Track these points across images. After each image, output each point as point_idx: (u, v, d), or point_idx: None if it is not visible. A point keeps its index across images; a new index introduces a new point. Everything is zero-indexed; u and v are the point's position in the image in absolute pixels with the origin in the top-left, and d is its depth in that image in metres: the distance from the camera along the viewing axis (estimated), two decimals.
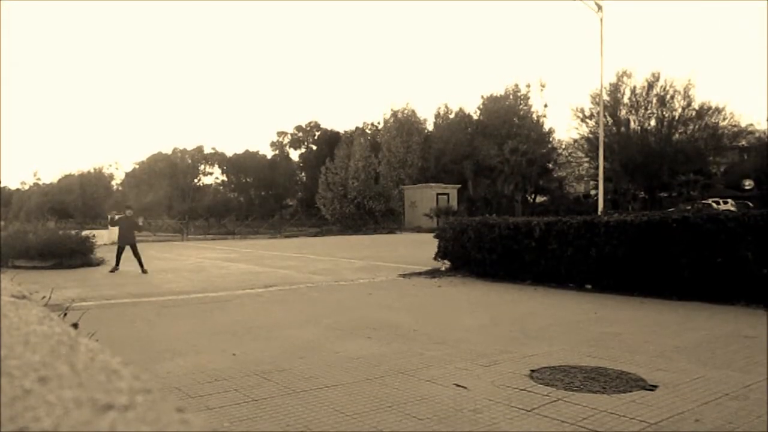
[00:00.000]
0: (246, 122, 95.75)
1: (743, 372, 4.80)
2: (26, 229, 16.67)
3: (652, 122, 47.36)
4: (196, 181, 58.70)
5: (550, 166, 51.48)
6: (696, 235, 8.62)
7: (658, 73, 46.36)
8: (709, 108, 45.80)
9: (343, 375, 4.89)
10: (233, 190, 60.73)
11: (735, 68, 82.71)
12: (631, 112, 47.64)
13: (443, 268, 12.88)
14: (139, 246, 14.52)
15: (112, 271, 13.92)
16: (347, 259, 17.17)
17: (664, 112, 46.64)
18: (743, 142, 50.07)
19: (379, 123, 53.45)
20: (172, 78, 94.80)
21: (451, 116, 52.55)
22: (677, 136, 46.80)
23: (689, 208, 13.40)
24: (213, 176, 60.86)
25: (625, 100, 47.52)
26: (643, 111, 47.25)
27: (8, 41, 73.21)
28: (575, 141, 51.19)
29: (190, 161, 58.25)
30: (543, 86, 50.86)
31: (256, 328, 7.06)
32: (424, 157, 48.24)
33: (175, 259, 18.01)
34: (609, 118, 45.30)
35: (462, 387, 4.48)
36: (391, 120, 48.93)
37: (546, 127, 51.49)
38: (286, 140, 61.11)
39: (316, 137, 59.03)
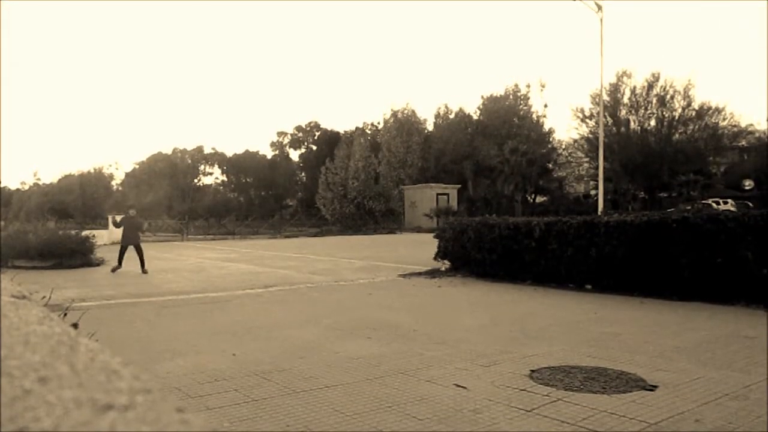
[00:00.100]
0: (246, 122, 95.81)
1: (743, 372, 4.80)
2: (26, 229, 16.68)
3: (652, 122, 47.40)
4: (196, 181, 58.69)
5: (550, 166, 51.51)
6: (696, 235, 8.62)
7: (658, 73, 46.46)
8: (709, 108, 45.84)
9: (343, 375, 4.89)
10: (233, 190, 60.73)
11: (735, 68, 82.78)
12: (631, 112, 47.67)
13: (443, 269, 12.89)
14: None
15: (113, 270, 13.90)
16: (347, 259, 17.17)
17: (664, 112, 46.66)
18: (743, 143, 50.09)
19: (379, 123, 53.53)
20: (172, 78, 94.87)
21: (451, 116, 52.57)
22: (677, 136, 46.83)
23: (689, 208, 13.40)
24: (213, 176, 60.94)
25: (625, 100, 47.56)
26: (643, 111, 47.29)
27: (8, 41, 73.25)
28: (575, 141, 51.24)
29: (190, 161, 58.25)
30: (543, 86, 50.96)
31: (256, 328, 7.06)
32: (424, 157, 48.25)
33: (175, 260, 18.02)
34: (609, 118, 45.32)
35: (462, 387, 4.48)
36: (391, 120, 48.95)
37: (546, 127, 51.56)
38: (286, 140, 61.14)
39: (316, 137, 59.06)
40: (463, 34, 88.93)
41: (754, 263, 8.03)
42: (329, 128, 58.56)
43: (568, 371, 4.88)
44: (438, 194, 42.45)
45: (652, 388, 4.39)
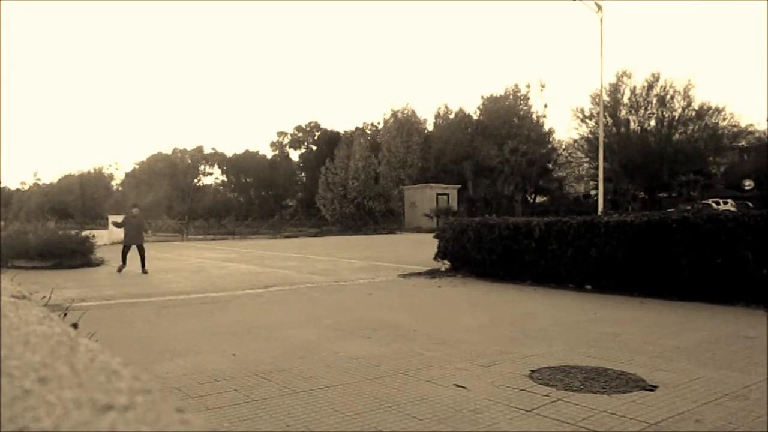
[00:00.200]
0: (246, 122, 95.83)
1: (743, 372, 4.80)
2: (26, 230, 16.66)
3: (652, 122, 47.41)
4: (196, 181, 58.70)
5: (550, 166, 51.52)
6: (696, 235, 8.62)
7: (658, 74, 46.46)
8: (709, 108, 45.84)
9: (343, 375, 4.89)
10: (233, 190, 60.74)
11: (735, 68, 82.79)
12: (630, 112, 47.68)
13: (443, 269, 12.89)
14: None
15: (119, 270, 13.82)
16: (347, 260, 17.17)
17: (664, 113, 46.67)
18: (743, 143, 50.11)
19: (379, 123, 53.54)
20: (172, 78, 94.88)
21: (451, 116, 52.57)
22: (677, 136, 46.83)
23: (689, 208, 13.40)
24: (213, 176, 60.97)
25: (625, 100, 47.57)
26: (643, 111, 47.29)
27: (8, 41, 73.25)
28: (575, 141, 51.25)
29: (190, 161, 58.26)
30: (543, 86, 50.98)
31: (256, 328, 7.06)
32: (424, 157, 48.25)
33: (175, 260, 18.02)
34: (609, 119, 45.33)
35: (462, 387, 4.48)
36: (391, 120, 48.95)
37: (546, 128, 51.57)
38: (286, 140, 61.16)
39: (316, 137, 59.07)
40: (463, 34, 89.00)
41: (754, 263, 8.03)
42: (329, 128, 58.64)
43: (568, 371, 4.88)
44: (438, 194, 42.46)
45: (652, 388, 4.39)
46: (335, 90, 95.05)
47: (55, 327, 0.77)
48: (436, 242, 13.39)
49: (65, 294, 9.22)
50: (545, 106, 51.33)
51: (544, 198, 51.56)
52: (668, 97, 46.19)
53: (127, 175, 57.92)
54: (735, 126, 47.22)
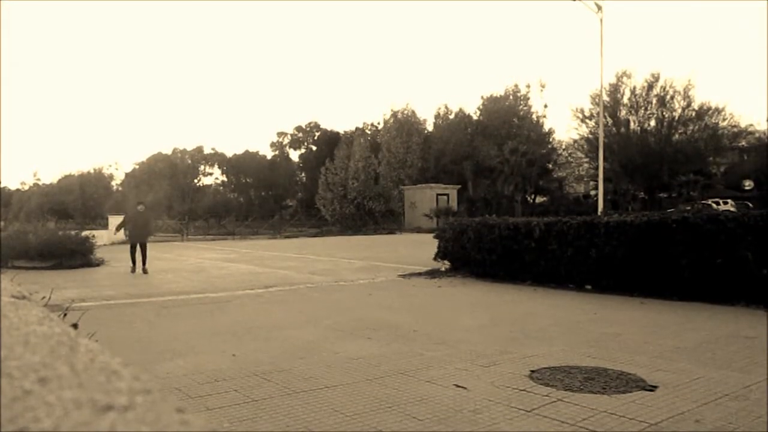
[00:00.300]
0: (246, 122, 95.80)
1: (743, 372, 4.80)
2: (26, 230, 16.66)
3: (652, 123, 47.40)
4: (196, 181, 58.70)
5: (550, 166, 51.51)
6: (696, 235, 8.62)
7: (658, 74, 46.46)
8: (709, 108, 45.85)
9: (343, 375, 4.89)
10: (233, 190, 60.74)
11: (735, 68, 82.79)
12: (630, 112, 47.68)
13: (443, 269, 12.89)
14: None
15: (132, 271, 13.74)
16: (347, 260, 17.17)
17: (663, 113, 46.66)
18: (743, 143, 50.10)
19: (379, 123, 53.53)
20: (172, 78, 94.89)
21: (451, 116, 52.56)
22: (677, 136, 46.83)
23: (689, 208, 13.40)
24: (213, 177, 60.96)
25: (625, 100, 47.57)
26: (642, 111, 47.29)
27: (8, 41, 73.25)
28: (575, 141, 51.24)
29: (190, 161, 58.26)
30: (543, 86, 50.94)
31: (256, 328, 7.06)
32: (423, 157, 48.24)
33: (175, 260, 18.01)
34: (609, 119, 45.33)
35: (462, 387, 4.48)
36: (391, 120, 48.93)
37: (546, 128, 51.54)
38: (286, 140, 61.16)
39: (316, 137, 59.07)
40: (463, 34, 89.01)
41: (754, 263, 8.03)
42: (329, 128, 58.63)
43: (568, 371, 4.88)
44: (438, 194, 42.45)
45: (652, 388, 4.39)
46: (335, 90, 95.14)
47: (55, 327, 0.77)
48: (436, 242, 13.39)
49: (65, 294, 9.22)
50: (545, 106, 51.34)
51: (544, 198, 51.56)
52: (668, 97, 46.21)
53: (127, 175, 57.93)
54: (735, 126, 47.24)
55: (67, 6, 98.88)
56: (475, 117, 52.48)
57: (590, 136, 47.93)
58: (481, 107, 52.63)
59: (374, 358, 5.48)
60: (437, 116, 53.19)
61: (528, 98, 51.13)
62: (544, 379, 4.66)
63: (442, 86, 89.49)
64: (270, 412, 3.99)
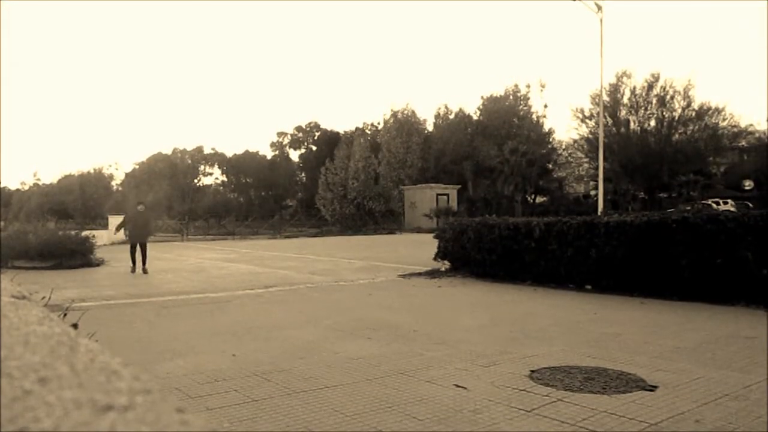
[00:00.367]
0: (246, 122, 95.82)
1: (743, 372, 4.80)
2: (26, 230, 16.66)
3: (652, 123, 47.40)
4: (196, 181, 58.70)
5: (550, 166, 51.51)
6: (696, 235, 8.62)
7: (658, 74, 46.46)
8: (709, 108, 45.84)
9: (343, 375, 4.89)
10: (233, 190, 60.74)
11: (735, 68, 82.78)
12: (630, 112, 47.68)
13: (443, 269, 12.89)
14: None
15: (132, 271, 13.75)
16: (347, 260, 17.17)
17: (663, 113, 46.66)
18: (743, 143, 50.09)
19: (379, 123, 53.53)
20: (172, 78, 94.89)
21: (451, 116, 52.55)
22: (677, 136, 46.82)
23: (689, 208, 13.40)
24: (213, 177, 60.97)
25: (625, 100, 47.57)
26: (642, 111, 47.29)
27: (8, 41, 73.25)
28: (575, 141, 51.24)
29: (190, 161, 58.26)
30: (543, 86, 50.94)
31: (256, 328, 7.06)
32: (423, 157, 48.24)
33: (175, 260, 18.01)
34: (609, 119, 45.32)
35: (462, 387, 4.48)
36: (391, 120, 48.93)
37: (546, 128, 51.54)
38: (286, 140, 61.16)
39: (316, 138, 59.07)
40: (463, 34, 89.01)
41: (754, 263, 8.03)
42: (329, 128, 58.64)
43: (568, 371, 4.88)
44: (438, 195, 42.44)
45: (652, 388, 4.39)
46: (335, 90, 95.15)
47: (55, 327, 0.77)
48: (436, 242, 13.39)
49: (65, 294, 9.22)
50: (545, 106, 51.34)
51: (544, 198, 51.56)
52: (668, 97, 46.21)
53: (127, 175, 57.94)
54: (735, 126, 47.24)
55: (67, 6, 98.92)
56: (475, 117, 52.47)
57: (590, 136, 47.93)
58: (481, 107, 52.63)
59: (374, 358, 5.48)
60: (437, 116, 53.20)
61: (528, 98, 51.16)
62: (544, 379, 4.66)
63: (442, 86, 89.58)
64: (270, 412, 3.99)
